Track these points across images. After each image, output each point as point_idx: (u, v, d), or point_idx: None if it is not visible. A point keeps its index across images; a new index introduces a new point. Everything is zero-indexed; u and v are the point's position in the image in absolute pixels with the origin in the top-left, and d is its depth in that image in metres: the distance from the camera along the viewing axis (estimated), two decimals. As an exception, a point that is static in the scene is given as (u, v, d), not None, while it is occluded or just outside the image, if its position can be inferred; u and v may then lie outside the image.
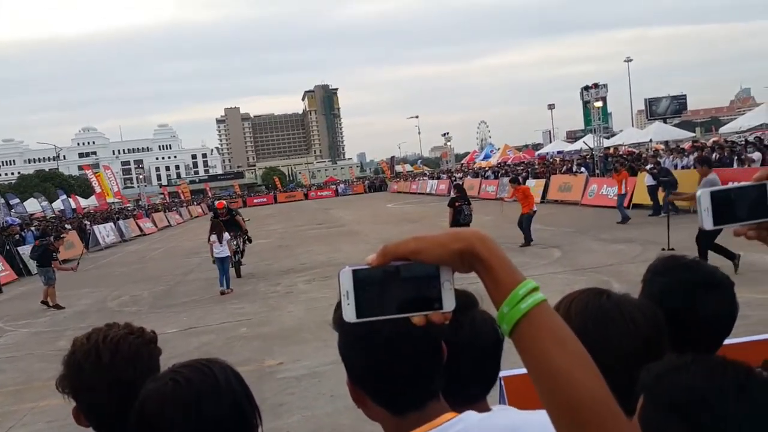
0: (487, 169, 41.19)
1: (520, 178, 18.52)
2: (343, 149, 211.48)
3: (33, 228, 23.00)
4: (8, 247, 18.88)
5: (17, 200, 30.63)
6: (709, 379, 0.72)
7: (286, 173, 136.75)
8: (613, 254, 10.71)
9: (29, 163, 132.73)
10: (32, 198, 35.91)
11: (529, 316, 0.70)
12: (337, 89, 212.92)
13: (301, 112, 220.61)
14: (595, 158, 24.91)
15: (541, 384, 0.72)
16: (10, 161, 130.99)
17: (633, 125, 57.26)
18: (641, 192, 17.30)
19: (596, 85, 26.30)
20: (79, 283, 15.94)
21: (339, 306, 0.93)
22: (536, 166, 32.61)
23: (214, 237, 11.46)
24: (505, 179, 29.48)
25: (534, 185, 25.25)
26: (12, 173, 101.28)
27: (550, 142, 57.34)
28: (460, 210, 11.85)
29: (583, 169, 24.07)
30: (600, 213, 16.37)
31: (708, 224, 0.82)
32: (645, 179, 16.35)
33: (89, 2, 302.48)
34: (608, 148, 29.93)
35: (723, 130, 33.16)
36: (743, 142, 22.28)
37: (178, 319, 9.56)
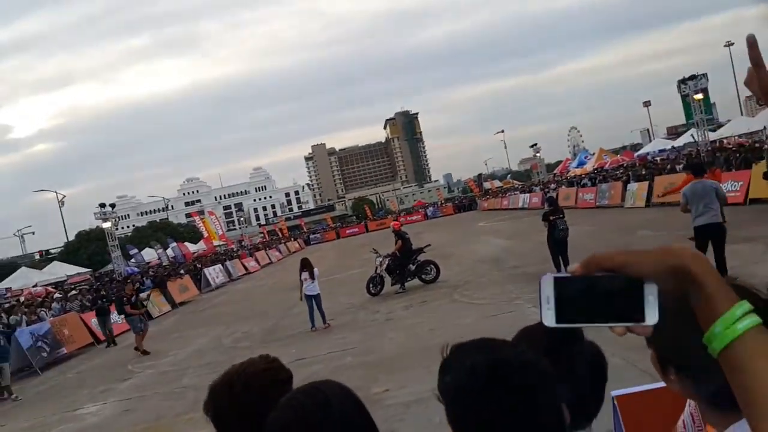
0: (583, 176, 39.53)
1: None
2: (428, 172, 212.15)
3: (151, 275, 24.95)
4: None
5: (136, 250, 33.43)
6: None
7: (375, 201, 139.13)
8: (734, 255, 9.74)
9: (142, 215, 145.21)
10: (148, 248, 39.01)
11: (745, 337, 0.70)
12: (417, 114, 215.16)
13: (384, 140, 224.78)
14: (701, 154, 23.19)
15: (753, 409, 0.69)
16: (125, 215, 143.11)
17: (742, 113, 52.84)
18: (758, 185, 15.82)
19: (694, 77, 24.72)
20: (195, 323, 17.03)
21: (443, 373, 0.93)
22: (636, 168, 30.86)
23: (305, 274, 11.22)
24: (604, 184, 28.15)
25: (636, 188, 23.90)
26: (128, 226, 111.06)
27: (650, 140, 54.11)
28: (554, 224, 11.34)
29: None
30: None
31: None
32: None
33: (175, 63, 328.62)
34: (714, 141, 27.78)
35: None
36: None
37: (287, 351, 9.84)
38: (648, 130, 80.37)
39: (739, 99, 57.41)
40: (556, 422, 0.91)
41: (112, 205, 24.99)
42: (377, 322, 10.82)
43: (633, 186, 24.47)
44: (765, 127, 29.98)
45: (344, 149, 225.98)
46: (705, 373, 0.88)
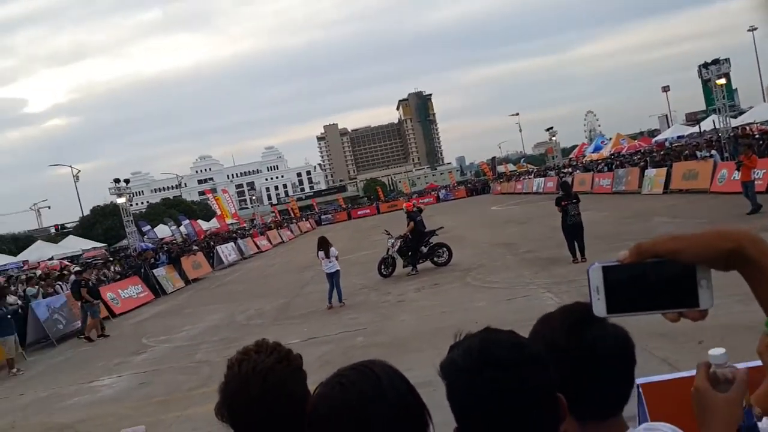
0: (599, 161, 39.01)
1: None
2: (441, 155, 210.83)
3: (165, 250, 25.15)
4: (144, 270, 20.74)
5: (149, 227, 33.69)
6: None
7: (387, 183, 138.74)
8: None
9: (155, 192, 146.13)
10: (162, 224, 39.25)
11: None
12: (431, 95, 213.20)
13: (396, 121, 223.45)
14: (722, 141, 22.73)
15: None
16: (139, 192, 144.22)
17: (765, 100, 51.79)
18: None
19: (716, 61, 24.14)
20: (209, 299, 17.19)
21: (450, 351, 0.98)
22: (654, 154, 30.37)
23: (321, 253, 11.39)
24: (621, 170, 27.76)
25: (654, 174, 23.57)
26: (142, 203, 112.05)
27: (668, 126, 53.25)
28: (566, 209, 11.25)
29: (713, 152, 21.72)
30: (734, 200, 14.81)
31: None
32: None
33: (185, 42, 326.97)
34: (737, 128, 27.21)
35: None
36: None
37: (299, 329, 9.92)
38: (666, 115, 79.12)
39: (762, 85, 56.10)
40: (546, 406, 0.92)
41: (127, 181, 25.09)
42: (389, 304, 10.83)
43: (651, 172, 24.13)
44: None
45: (356, 130, 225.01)
46: None
